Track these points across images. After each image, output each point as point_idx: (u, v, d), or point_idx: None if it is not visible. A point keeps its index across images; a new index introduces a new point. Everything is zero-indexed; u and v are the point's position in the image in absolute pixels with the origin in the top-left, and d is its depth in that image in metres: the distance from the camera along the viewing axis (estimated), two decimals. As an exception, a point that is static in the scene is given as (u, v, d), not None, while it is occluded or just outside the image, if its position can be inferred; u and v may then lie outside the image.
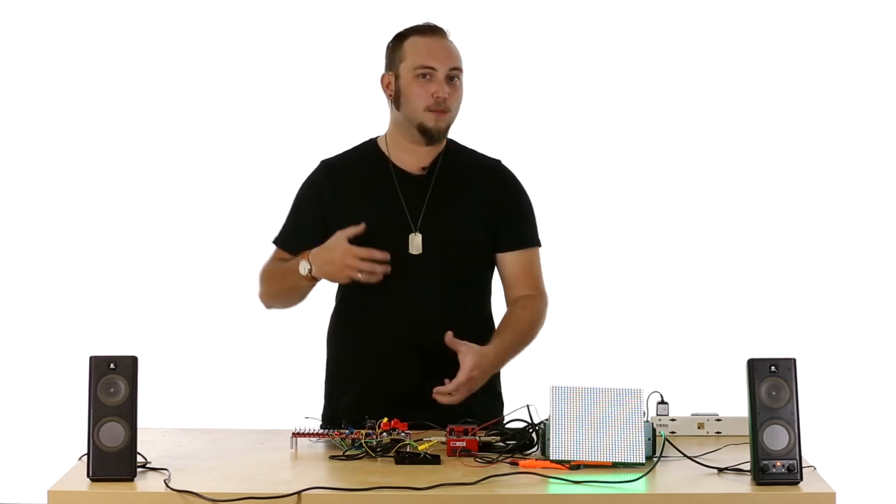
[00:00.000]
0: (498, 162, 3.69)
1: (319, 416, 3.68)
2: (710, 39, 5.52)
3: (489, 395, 3.64)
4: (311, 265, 3.48)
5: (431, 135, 3.54)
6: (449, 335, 3.41)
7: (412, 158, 3.59)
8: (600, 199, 5.54)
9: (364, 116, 3.96)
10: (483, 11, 5.48)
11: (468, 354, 3.40)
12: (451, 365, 3.53)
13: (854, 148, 5.53)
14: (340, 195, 3.61)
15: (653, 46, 5.53)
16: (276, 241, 3.70)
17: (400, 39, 3.57)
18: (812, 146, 5.53)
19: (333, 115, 5.39)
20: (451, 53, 3.54)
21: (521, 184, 3.68)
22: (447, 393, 3.39)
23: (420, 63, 3.51)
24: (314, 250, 3.49)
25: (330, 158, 3.68)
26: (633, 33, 5.53)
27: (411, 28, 3.58)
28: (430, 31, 3.56)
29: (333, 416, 3.59)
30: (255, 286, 3.71)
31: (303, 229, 3.64)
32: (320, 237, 3.59)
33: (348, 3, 5.50)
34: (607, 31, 5.53)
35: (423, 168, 3.59)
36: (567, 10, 5.52)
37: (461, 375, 3.38)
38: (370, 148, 3.65)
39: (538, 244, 3.66)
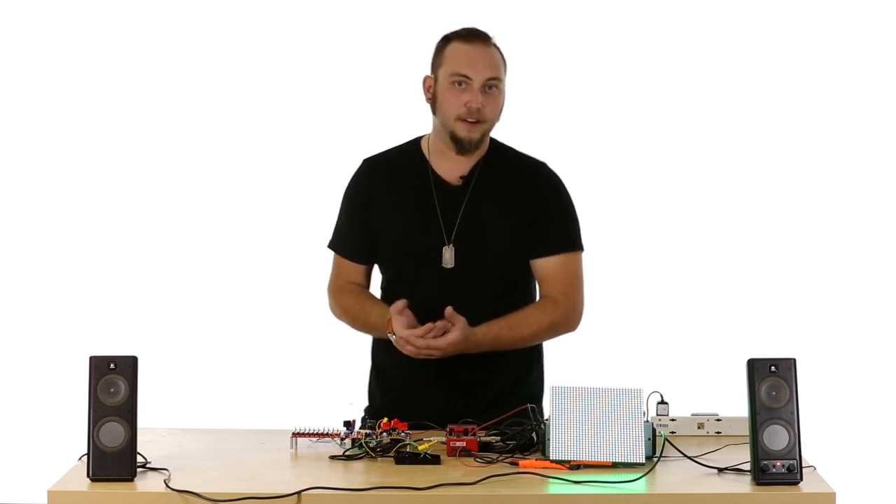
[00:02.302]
0: (540, 164, 3.63)
1: (363, 410, 3.70)
2: (723, 42, 5.52)
3: (527, 397, 3.63)
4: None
5: (463, 145, 3.50)
6: (449, 310, 3.40)
7: (451, 166, 3.56)
8: (600, 199, 5.53)
9: (393, 117, 3.93)
10: (530, 12, 5.47)
11: (456, 331, 3.39)
12: (483, 377, 3.54)
13: (854, 148, 5.53)
14: (381, 194, 3.60)
15: (669, 52, 5.53)
16: (331, 246, 3.69)
17: (443, 44, 3.52)
18: (812, 146, 5.53)
19: (339, 117, 5.40)
20: (491, 62, 3.48)
21: (560, 186, 3.62)
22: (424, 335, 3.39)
23: (456, 70, 3.46)
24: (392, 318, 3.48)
25: (372, 157, 3.68)
26: (661, 36, 5.53)
27: (455, 32, 3.52)
28: (472, 37, 3.50)
29: (375, 414, 3.57)
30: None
31: (355, 234, 3.64)
32: (369, 239, 3.61)
33: (393, 3, 5.49)
34: (648, 36, 5.53)
35: (461, 177, 3.56)
36: (602, 14, 5.52)
37: (441, 342, 3.38)
38: (413, 149, 3.62)
39: (575, 248, 3.60)
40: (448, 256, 3.53)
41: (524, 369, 3.65)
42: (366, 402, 3.74)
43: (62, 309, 5.51)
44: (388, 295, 3.62)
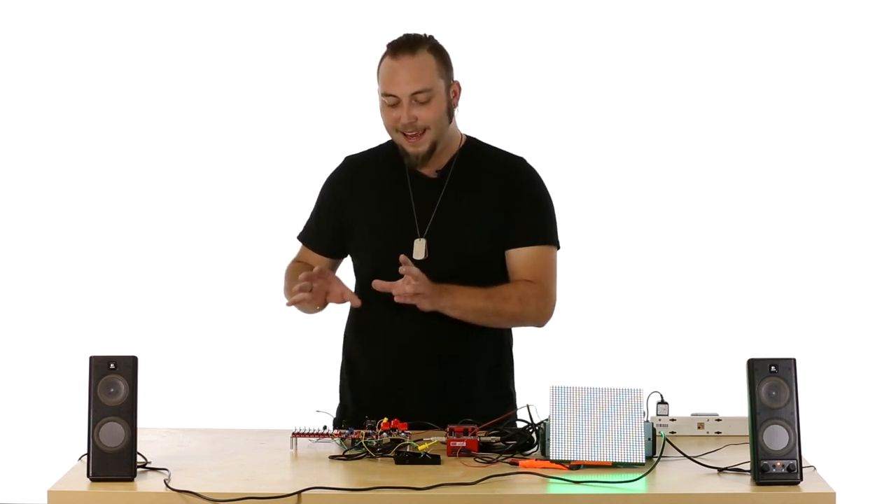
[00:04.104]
0: (517, 160, 3.62)
1: (335, 411, 3.69)
2: (720, 40, 5.52)
3: (500, 396, 3.63)
4: None
5: (410, 159, 3.51)
6: (403, 258, 3.38)
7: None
8: (600, 199, 5.54)
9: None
10: (506, 8, 5.48)
11: (419, 276, 3.37)
12: (458, 369, 3.54)
13: (854, 148, 5.53)
14: (357, 192, 3.62)
15: (661, 49, 5.53)
16: (299, 237, 3.73)
17: (381, 58, 3.51)
18: (812, 146, 5.53)
19: (334, 114, 5.40)
20: (415, 75, 3.44)
21: (537, 181, 3.60)
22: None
23: (383, 90, 3.47)
24: None
25: (353, 155, 3.70)
26: (650, 34, 5.53)
27: (388, 45, 3.50)
28: (398, 49, 3.47)
29: (346, 413, 3.61)
30: (275, 291, 3.70)
31: (322, 226, 3.67)
32: (339, 233, 3.62)
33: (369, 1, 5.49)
34: (623, 30, 5.52)
35: (437, 171, 3.57)
36: (580, 10, 5.52)
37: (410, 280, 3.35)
38: (392, 146, 3.61)
39: (550, 243, 3.58)
40: (419, 248, 3.52)
41: (496, 367, 3.63)
42: (336, 402, 3.73)
43: (62, 309, 5.51)
44: (363, 289, 3.60)
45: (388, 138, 3.62)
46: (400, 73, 3.45)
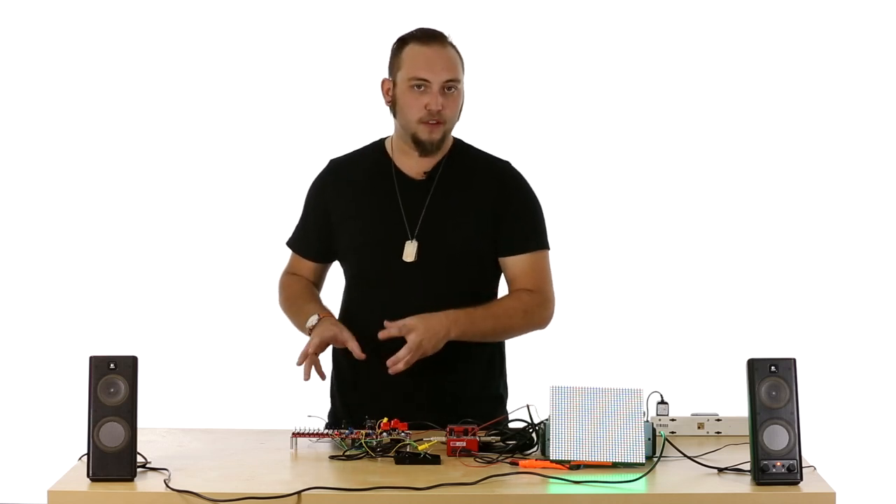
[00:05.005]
0: (505, 164, 3.63)
1: (326, 415, 3.69)
2: (717, 40, 5.52)
3: (490, 398, 3.63)
4: (316, 325, 3.50)
5: (424, 147, 3.51)
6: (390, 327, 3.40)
7: (414, 163, 3.57)
8: (600, 199, 5.54)
9: (374, 116, 3.94)
10: (493, 10, 5.47)
11: (410, 318, 3.38)
12: (447, 375, 3.53)
13: (854, 148, 5.53)
14: (342, 194, 3.61)
15: (658, 49, 5.53)
16: (289, 244, 3.73)
17: (400, 46, 3.52)
18: (812, 146, 5.53)
19: (334, 115, 5.39)
20: (448, 64, 3.48)
21: (526, 185, 3.62)
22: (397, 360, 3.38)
23: (414, 74, 3.47)
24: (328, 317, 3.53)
25: (337, 158, 3.69)
26: (643, 35, 5.53)
27: (412, 33, 3.53)
28: (428, 38, 3.50)
29: (337, 416, 3.61)
30: (273, 291, 3.71)
31: (310, 231, 3.68)
32: (327, 238, 3.61)
33: (360, 2, 5.49)
34: (617, 32, 5.53)
35: (425, 173, 3.57)
36: (577, 11, 5.52)
37: (401, 328, 3.38)
38: (377, 149, 3.63)
39: (543, 247, 3.59)
40: (410, 250, 3.52)
41: (485, 372, 3.63)
42: (329, 406, 3.74)
43: (62, 309, 5.51)
44: (352, 292, 3.62)
45: (373, 140, 3.64)
46: (435, 60, 3.47)
